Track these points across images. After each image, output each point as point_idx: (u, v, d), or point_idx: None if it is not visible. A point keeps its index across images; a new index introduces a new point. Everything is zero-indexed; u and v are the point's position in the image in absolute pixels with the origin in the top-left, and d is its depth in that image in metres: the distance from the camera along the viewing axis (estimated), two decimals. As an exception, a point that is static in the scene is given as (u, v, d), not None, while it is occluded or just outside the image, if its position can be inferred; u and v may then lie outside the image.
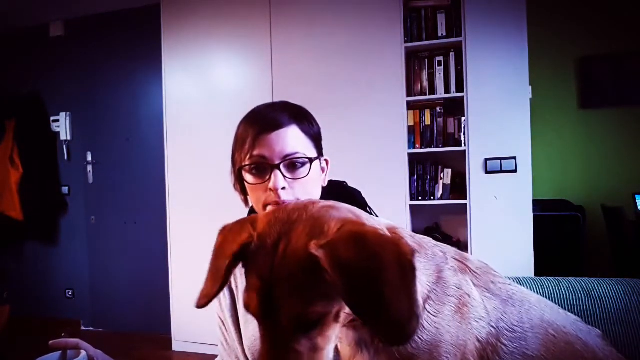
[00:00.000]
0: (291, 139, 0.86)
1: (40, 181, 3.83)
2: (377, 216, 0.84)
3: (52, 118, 3.81)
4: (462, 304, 0.62)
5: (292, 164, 0.85)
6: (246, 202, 0.93)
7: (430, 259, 0.64)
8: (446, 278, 0.63)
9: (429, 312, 0.60)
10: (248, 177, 0.87)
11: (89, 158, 3.75)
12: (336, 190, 0.97)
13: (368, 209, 0.96)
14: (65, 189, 3.85)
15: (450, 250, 0.68)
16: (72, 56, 3.79)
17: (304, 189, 0.86)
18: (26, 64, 3.96)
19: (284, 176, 0.84)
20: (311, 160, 0.87)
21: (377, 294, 0.44)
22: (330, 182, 0.97)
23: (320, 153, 0.92)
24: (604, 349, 0.68)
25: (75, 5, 3.58)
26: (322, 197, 0.91)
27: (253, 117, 0.89)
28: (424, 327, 0.59)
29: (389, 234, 0.55)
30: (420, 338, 0.59)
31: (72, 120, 3.78)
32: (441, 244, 0.70)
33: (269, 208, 0.84)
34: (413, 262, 0.47)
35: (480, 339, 0.61)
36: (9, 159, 3.69)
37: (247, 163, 0.86)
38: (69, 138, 3.77)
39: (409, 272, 0.47)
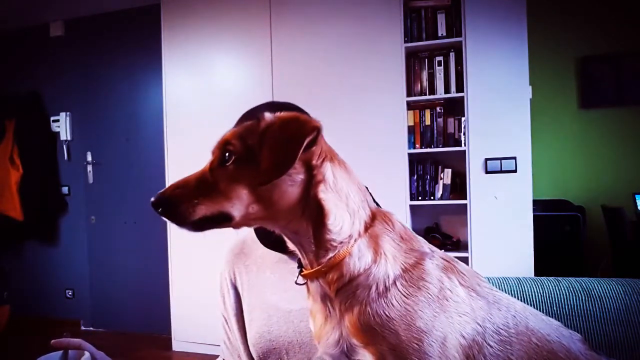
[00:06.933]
0: None
1: (40, 181, 3.82)
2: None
3: (52, 118, 3.82)
4: (442, 295, 0.61)
5: None
6: None
7: (415, 248, 0.66)
8: (426, 267, 0.63)
9: (399, 290, 0.60)
10: None
11: (89, 158, 3.75)
12: None
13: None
14: (65, 189, 3.85)
15: (441, 252, 0.69)
16: (72, 56, 3.79)
17: None
18: (26, 64, 3.96)
19: None
20: None
21: (271, 142, 0.60)
22: None
23: None
24: (586, 353, 0.68)
25: (75, 5, 3.58)
26: None
27: None
28: (392, 304, 0.59)
29: (371, 217, 0.68)
30: (385, 314, 0.59)
31: (72, 120, 3.78)
32: (435, 247, 0.71)
33: None
34: (304, 133, 0.59)
35: (465, 335, 0.60)
36: (9, 159, 3.70)
37: None
38: (69, 138, 3.77)
39: (296, 140, 0.59)
